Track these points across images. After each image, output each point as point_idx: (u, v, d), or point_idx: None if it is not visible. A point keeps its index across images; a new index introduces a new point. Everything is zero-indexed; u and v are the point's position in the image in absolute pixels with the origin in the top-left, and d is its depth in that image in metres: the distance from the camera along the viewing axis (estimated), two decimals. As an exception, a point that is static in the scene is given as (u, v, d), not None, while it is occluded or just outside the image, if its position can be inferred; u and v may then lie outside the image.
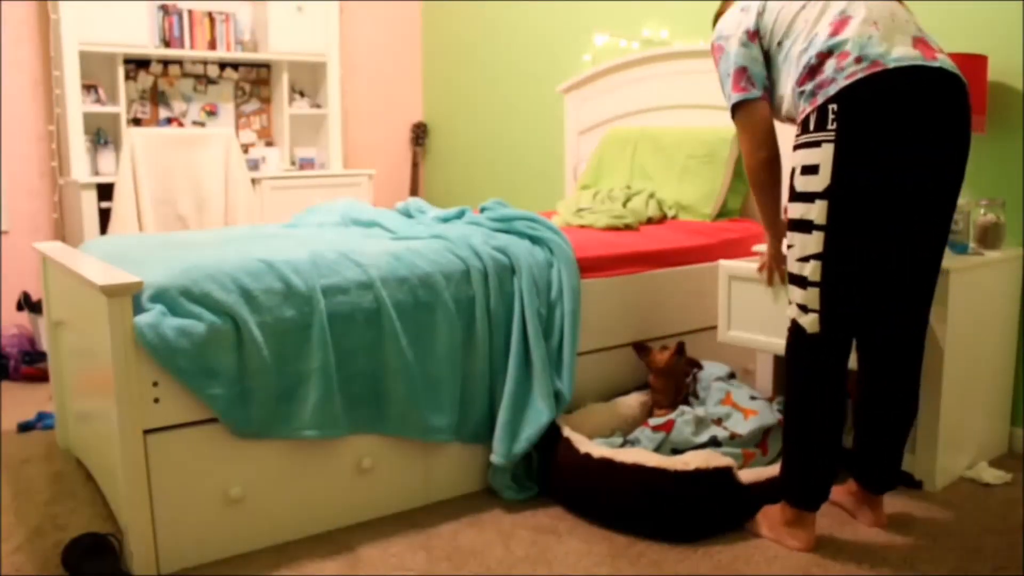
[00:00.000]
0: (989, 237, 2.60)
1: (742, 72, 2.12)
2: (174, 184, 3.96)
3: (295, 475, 2.18)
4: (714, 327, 3.02)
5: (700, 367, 2.69)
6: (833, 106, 1.90)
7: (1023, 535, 2.18)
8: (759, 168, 2.15)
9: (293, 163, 4.99)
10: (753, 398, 2.56)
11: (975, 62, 2.57)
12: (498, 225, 2.67)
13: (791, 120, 2.11)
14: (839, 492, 2.33)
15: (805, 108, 1.97)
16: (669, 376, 2.60)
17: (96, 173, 4.29)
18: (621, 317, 2.76)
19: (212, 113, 4.82)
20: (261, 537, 2.15)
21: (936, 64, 1.90)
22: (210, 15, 4.59)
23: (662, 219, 3.24)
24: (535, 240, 2.60)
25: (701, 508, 2.17)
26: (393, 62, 5.45)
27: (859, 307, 2.03)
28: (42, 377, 3.65)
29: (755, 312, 2.55)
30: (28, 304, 3.95)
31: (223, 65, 4.81)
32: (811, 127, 1.94)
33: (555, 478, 2.37)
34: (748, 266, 2.53)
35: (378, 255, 2.33)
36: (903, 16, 1.99)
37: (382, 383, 2.26)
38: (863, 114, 1.88)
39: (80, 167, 4.20)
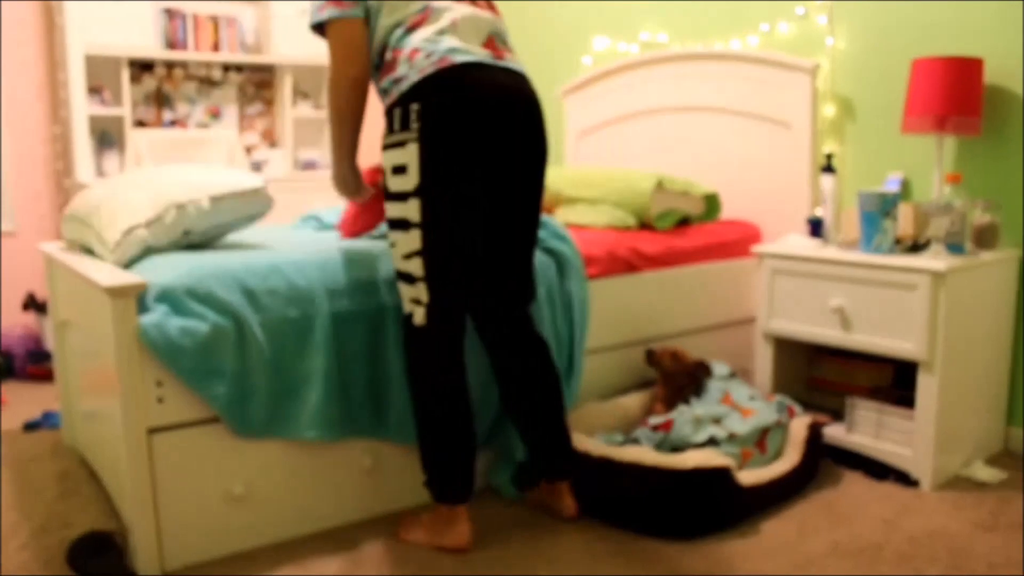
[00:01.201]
0: (985, 238, 2.62)
1: None
2: (178, 186, 3.97)
3: (298, 473, 2.20)
4: (714, 327, 3.05)
5: (710, 374, 2.68)
6: (414, 106, 1.93)
7: (1019, 533, 2.20)
8: (350, 87, 2.02)
9: (296, 165, 5.02)
10: (752, 398, 2.58)
11: (971, 65, 2.59)
12: None
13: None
14: (532, 494, 2.35)
15: (385, 100, 2.03)
16: (669, 383, 2.63)
17: (101, 175, 4.32)
18: (621, 317, 2.78)
19: (216, 115, 4.85)
20: (264, 535, 2.17)
21: (501, 63, 1.98)
22: (214, 18, 4.62)
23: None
24: (545, 249, 2.61)
25: (699, 507, 2.19)
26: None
27: (460, 297, 2.06)
28: (48, 377, 3.68)
29: (795, 302, 2.72)
30: (34, 304, 3.98)
31: (227, 68, 4.83)
32: (396, 127, 1.97)
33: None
34: (789, 260, 2.69)
35: (383, 258, 2.35)
36: (485, 18, 2.05)
37: (382, 388, 2.27)
38: (438, 113, 1.92)
39: (85, 169, 4.23)
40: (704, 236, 3.06)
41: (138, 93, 4.59)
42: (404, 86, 1.95)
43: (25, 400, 3.45)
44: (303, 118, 5.05)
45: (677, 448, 2.40)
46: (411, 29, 1.99)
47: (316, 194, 4.77)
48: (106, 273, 2.07)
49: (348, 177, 2.21)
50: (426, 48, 1.95)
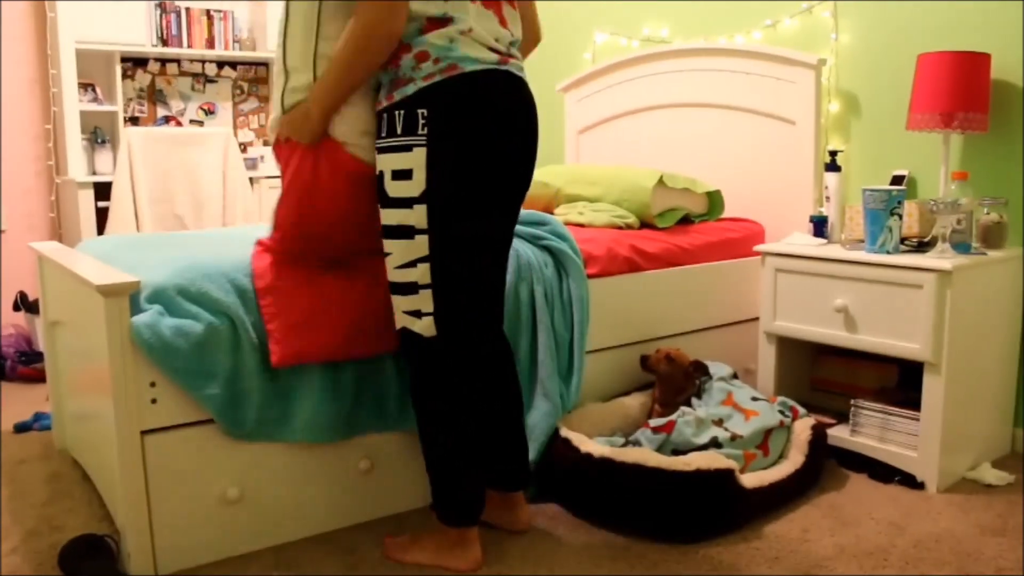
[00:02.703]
0: (991, 236, 2.59)
1: None
2: (171, 183, 3.94)
3: (294, 476, 2.16)
4: (717, 327, 3.02)
5: (708, 375, 2.65)
6: (422, 111, 1.86)
7: (1026, 536, 2.18)
8: (385, 40, 1.86)
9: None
10: (754, 399, 2.55)
11: (978, 60, 2.56)
12: None
13: None
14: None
15: (380, 99, 1.95)
16: (666, 383, 2.60)
17: (93, 172, 4.28)
18: (621, 317, 2.75)
19: (210, 112, 4.81)
20: (259, 538, 2.14)
21: (505, 68, 1.93)
22: (208, 13, 4.58)
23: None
24: (545, 247, 2.58)
25: (702, 509, 2.16)
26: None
27: (469, 305, 1.97)
28: (39, 377, 3.63)
29: (799, 302, 2.71)
30: (25, 304, 3.94)
31: (221, 64, 4.79)
32: (398, 130, 1.88)
33: (554, 478, 2.36)
34: (793, 259, 2.68)
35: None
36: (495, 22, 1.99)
37: (379, 380, 2.24)
38: (449, 119, 1.86)
39: (77, 166, 4.18)
40: (706, 235, 3.03)
41: (131, 89, 4.54)
42: (409, 90, 1.88)
43: (15, 401, 3.41)
44: (298, 115, 5.00)
45: (679, 450, 2.37)
46: (425, 31, 1.90)
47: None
48: (98, 272, 2.03)
49: (316, 127, 2.01)
50: (435, 54, 1.88)
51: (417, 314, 1.93)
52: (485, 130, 1.89)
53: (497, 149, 1.92)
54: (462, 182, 1.89)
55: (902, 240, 2.63)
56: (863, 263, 2.54)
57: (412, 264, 1.92)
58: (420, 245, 1.90)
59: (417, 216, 1.89)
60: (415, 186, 1.88)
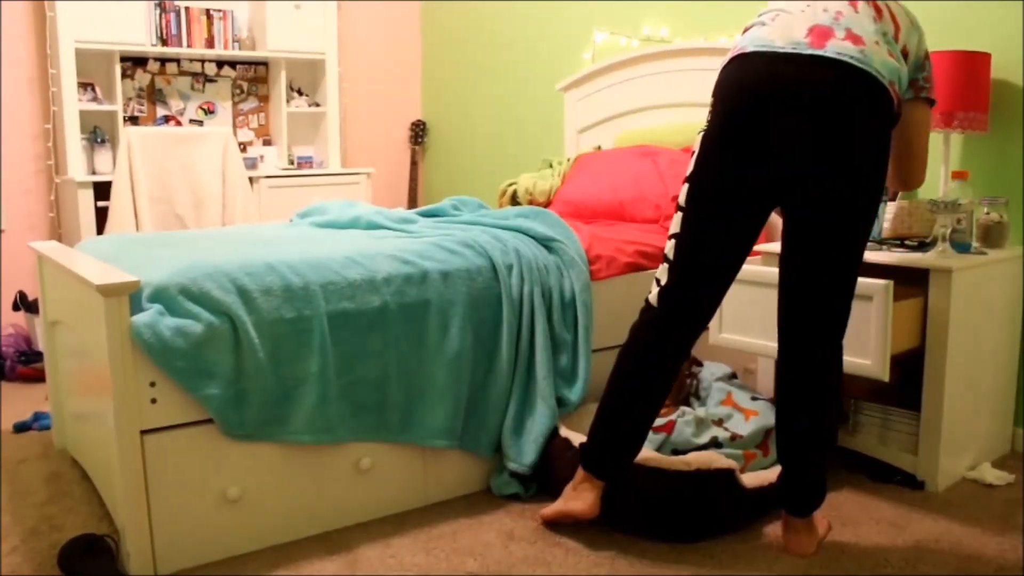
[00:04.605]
0: (991, 236, 2.59)
1: None
2: (171, 183, 3.94)
3: (293, 475, 2.16)
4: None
5: (700, 364, 2.67)
6: (712, 100, 1.97)
7: (1026, 536, 2.18)
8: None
9: (291, 162, 4.97)
10: (754, 399, 2.55)
11: (978, 60, 2.56)
12: (507, 223, 2.66)
13: None
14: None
15: None
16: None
17: (93, 172, 4.27)
18: (621, 316, 2.74)
19: (210, 111, 4.80)
20: (259, 538, 2.14)
21: (810, 52, 1.83)
22: (207, 12, 4.57)
23: None
24: (546, 246, 2.58)
25: (702, 509, 2.16)
26: (392, 60, 5.43)
27: (700, 292, 2.02)
28: (38, 377, 3.63)
29: (749, 315, 2.54)
30: (24, 304, 3.93)
31: (221, 63, 4.79)
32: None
33: (555, 477, 2.36)
34: (746, 267, 2.52)
35: (381, 256, 2.31)
36: (828, 6, 1.92)
37: (385, 390, 2.24)
38: (719, 104, 1.93)
39: (76, 165, 4.18)
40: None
41: (130, 88, 4.54)
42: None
43: (15, 401, 3.41)
44: (298, 113, 5.01)
45: (679, 450, 2.37)
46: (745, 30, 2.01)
47: (311, 190, 4.73)
48: (98, 272, 2.02)
49: None
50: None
51: (657, 282, 2.09)
52: (741, 118, 1.96)
53: (763, 140, 1.95)
54: (714, 170, 1.99)
55: (902, 240, 2.63)
56: (863, 263, 2.53)
57: (671, 237, 2.06)
58: (677, 221, 2.05)
59: (683, 194, 2.05)
60: (689, 166, 2.06)
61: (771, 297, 2.48)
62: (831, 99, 1.81)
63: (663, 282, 2.04)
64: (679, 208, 2.02)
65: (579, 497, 2.13)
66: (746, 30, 2.00)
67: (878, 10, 1.93)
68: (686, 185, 2.00)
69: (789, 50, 1.85)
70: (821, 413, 1.99)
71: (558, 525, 2.23)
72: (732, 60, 1.94)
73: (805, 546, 2.08)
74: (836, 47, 1.83)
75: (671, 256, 2.02)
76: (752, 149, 1.88)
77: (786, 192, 1.92)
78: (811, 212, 1.91)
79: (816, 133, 1.83)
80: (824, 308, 1.96)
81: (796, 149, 1.85)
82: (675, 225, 2.02)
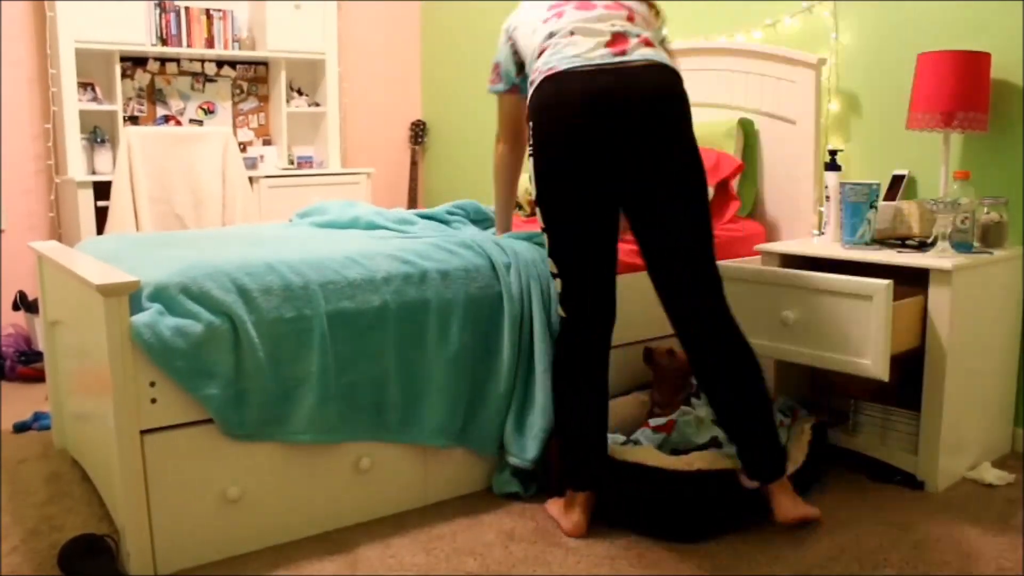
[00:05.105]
0: (991, 236, 2.59)
1: (496, 67, 2.48)
2: (171, 183, 3.94)
3: (293, 475, 2.16)
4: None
5: None
6: (531, 124, 2.10)
7: (1026, 536, 2.18)
8: (495, 157, 2.50)
9: (291, 161, 4.97)
10: (754, 398, 2.54)
11: (979, 59, 2.56)
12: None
13: None
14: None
15: None
16: (671, 382, 2.59)
17: (93, 171, 4.27)
18: (623, 316, 2.73)
19: (209, 111, 4.80)
20: (259, 538, 2.14)
21: (617, 60, 2.01)
22: (207, 12, 4.57)
23: None
24: (542, 244, 2.58)
25: (703, 509, 2.16)
26: (392, 60, 5.43)
27: (588, 294, 2.17)
28: (38, 377, 3.63)
29: (740, 314, 2.52)
30: (24, 303, 3.93)
31: (220, 63, 4.79)
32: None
33: (556, 476, 2.36)
34: (733, 266, 2.54)
35: (381, 256, 2.31)
36: (614, 15, 2.12)
37: (385, 389, 2.24)
38: (541, 127, 2.07)
39: (76, 165, 4.18)
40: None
41: (130, 88, 4.54)
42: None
43: (15, 401, 3.41)
44: (298, 113, 5.01)
45: (679, 450, 2.37)
46: (539, 55, 2.16)
47: (311, 190, 4.73)
48: (98, 271, 2.02)
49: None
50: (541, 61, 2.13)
51: (559, 296, 2.22)
52: (557, 132, 2.13)
53: (578, 151, 2.10)
54: (547, 185, 2.16)
55: (903, 240, 2.63)
56: (864, 263, 2.54)
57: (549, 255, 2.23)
58: (546, 239, 2.21)
59: (540, 215, 2.19)
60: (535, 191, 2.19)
61: (764, 294, 2.49)
62: (653, 98, 2.01)
63: (558, 291, 2.20)
64: (543, 229, 2.16)
65: (567, 516, 2.21)
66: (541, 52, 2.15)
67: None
68: (540, 208, 2.13)
69: (599, 62, 2.01)
70: (739, 382, 2.08)
71: (556, 525, 2.24)
72: (545, 80, 2.06)
73: (787, 510, 2.12)
74: (636, 51, 2.05)
75: (554, 270, 2.18)
76: (587, 165, 2.03)
77: (627, 191, 2.07)
78: (651, 188, 2.05)
79: (645, 129, 2.01)
80: (694, 273, 2.09)
81: (627, 153, 2.02)
82: (547, 243, 2.17)
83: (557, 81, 2.03)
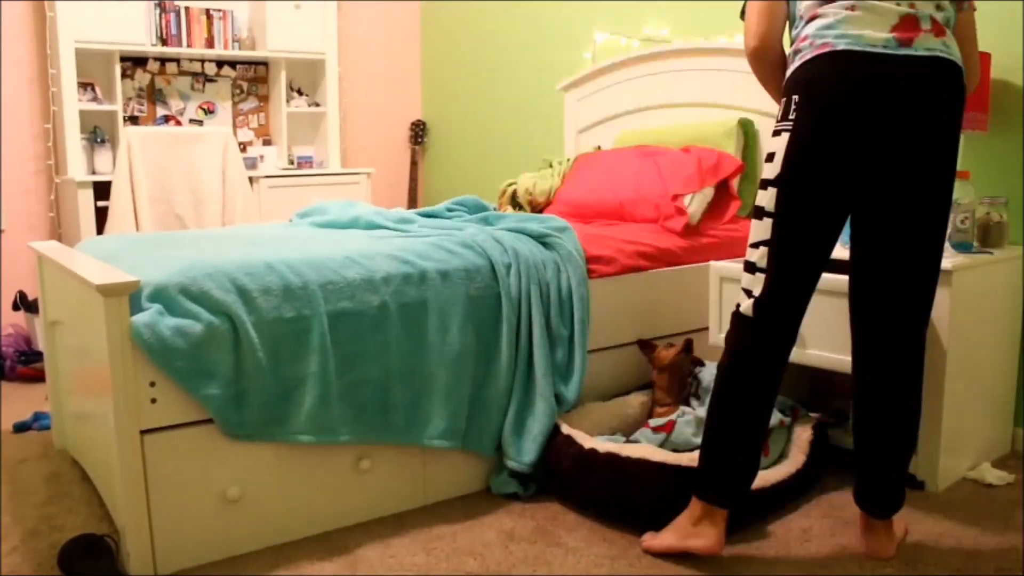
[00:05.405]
0: (991, 236, 2.59)
1: None
2: (171, 183, 3.94)
3: (293, 475, 2.16)
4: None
5: (703, 364, 2.68)
6: (795, 97, 1.90)
7: (1026, 536, 2.18)
8: (748, 59, 2.14)
9: (291, 161, 4.97)
10: (754, 398, 2.54)
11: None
12: (507, 224, 2.66)
13: None
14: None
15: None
16: (673, 373, 2.59)
17: (93, 171, 4.27)
18: (622, 316, 2.74)
19: (209, 111, 4.80)
20: (259, 538, 2.14)
21: (902, 52, 1.83)
22: (207, 12, 4.57)
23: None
24: (544, 243, 2.58)
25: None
26: (392, 60, 5.43)
27: (795, 298, 1.96)
28: (38, 377, 3.63)
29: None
30: (24, 303, 3.93)
31: (220, 63, 4.79)
32: (779, 115, 1.95)
33: (557, 475, 2.36)
34: (733, 266, 2.52)
35: (381, 256, 2.31)
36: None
37: (387, 390, 2.23)
38: (810, 104, 1.87)
39: (76, 165, 4.18)
40: (708, 235, 3.02)
41: (130, 88, 4.54)
42: (788, 75, 1.95)
43: (15, 401, 3.41)
44: (298, 113, 5.01)
45: (679, 450, 2.37)
46: (810, 20, 1.94)
47: (311, 190, 4.73)
48: (98, 271, 2.02)
49: None
50: (812, 32, 1.91)
51: (748, 294, 1.99)
52: (840, 120, 1.90)
53: (856, 144, 1.91)
54: (808, 173, 1.94)
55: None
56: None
57: (756, 246, 1.97)
58: (765, 228, 1.95)
59: (768, 198, 1.94)
60: (773, 169, 1.95)
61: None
62: (928, 99, 1.82)
63: (756, 292, 1.96)
64: (763, 214, 1.94)
65: (701, 533, 2.01)
66: (812, 18, 1.93)
67: None
68: (772, 190, 1.93)
69: (880, 50, 1.83)
70: (905, 420, 1.99)
71: (556, 524, 2.24)
72: (819, 57, 1.87)
73: (885, 548, 2.06)
74: (924, 43, 1.84)
75: (762, 264, 1.94)
76: (848, 151, 1.86)
77: (874, 193, 1.90)
78: (897, 212, 1.89)
79: (914, 134, 1.84)
80: (909, 314, 1.94)
81: (893, 150, 1.85)
82: (760, 232, 1.95)
83: (832, 61, 1.84)
